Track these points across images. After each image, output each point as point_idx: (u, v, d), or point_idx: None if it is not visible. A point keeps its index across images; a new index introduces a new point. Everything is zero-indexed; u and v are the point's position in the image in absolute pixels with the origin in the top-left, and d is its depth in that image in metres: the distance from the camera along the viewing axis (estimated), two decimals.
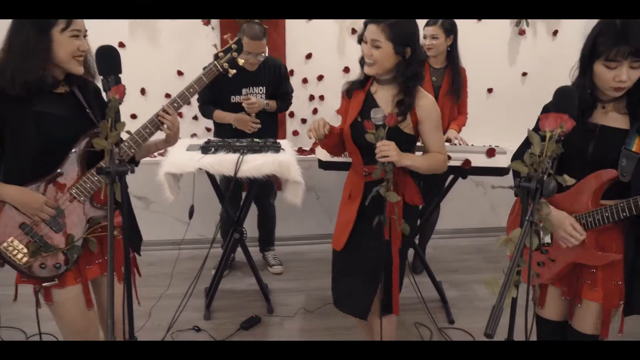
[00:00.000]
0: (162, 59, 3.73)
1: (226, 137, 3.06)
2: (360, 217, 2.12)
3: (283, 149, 2.91)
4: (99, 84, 1.77)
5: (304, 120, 3.99)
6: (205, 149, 2.83)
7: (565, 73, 4.12)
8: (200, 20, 3.63)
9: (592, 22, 3.92)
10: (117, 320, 1.38)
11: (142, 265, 3.28)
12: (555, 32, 4.01)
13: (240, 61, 2.13)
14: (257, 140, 2.98)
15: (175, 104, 1.90)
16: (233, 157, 2.75)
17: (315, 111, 3.97)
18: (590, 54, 1.71)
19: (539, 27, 4.00)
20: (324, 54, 3.86)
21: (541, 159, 1.48)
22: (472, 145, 3.08)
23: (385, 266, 2.07)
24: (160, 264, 3.65)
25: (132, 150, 1.81)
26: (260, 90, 3.32)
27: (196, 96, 3.24)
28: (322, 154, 2.84)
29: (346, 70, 3.88)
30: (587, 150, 1.77)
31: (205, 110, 3.35)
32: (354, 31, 3.80)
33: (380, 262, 2.04)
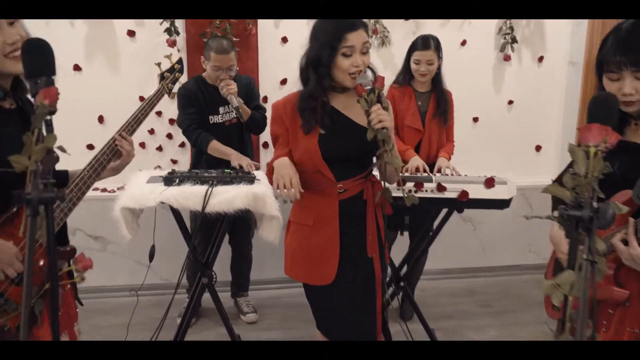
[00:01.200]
0: (122, 83, 3.39)
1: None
2: (342, 238, 1.90)
3: (258, 180, 2.58)
4: None
5: None
6: (169, 180, 2.46)
7: (551, 100, 3.99)
8: (164, 40, 3.32)
9: (578, 47, 3.79)
10: None
11: (95, 314, 2.89)
12: (540, 58, 3.85)
13: (174, 88, 2.12)
14: (229, 170, 2.64)
15: (130, 128, 1.74)
16: (201, 189, 2.40)
17: None
18: (597, 64, 1.49)
19: (524, 52, 3.83)
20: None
21: (587, 180, 1.19)
22: (465, 175, 2.81)
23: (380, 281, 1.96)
24: (116, 312, 3.21)
25: (91, 180, 1.57)
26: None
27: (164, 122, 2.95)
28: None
29: None
30: (613, 169, 1.51)
31: (199, 137, 2.96)
32: None
33: (376, 279, 1.93)
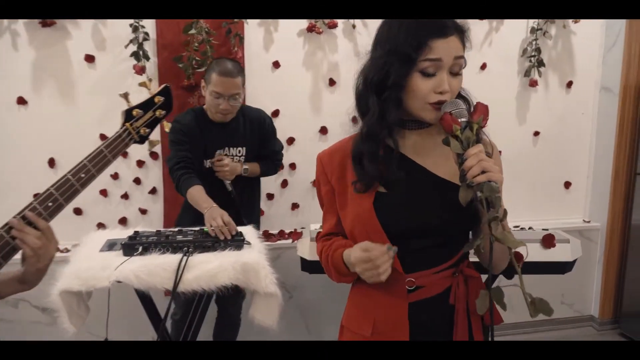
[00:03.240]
0: (79, 119, 2.79)
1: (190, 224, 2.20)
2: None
3: (248, 243, 1.99)
4: None
5: (270, 196, 3.09)
6: (129, 247, 1.87)
7: (582, 131, 3.47)
8: (130, 66, 2.74)
9: (612, 71, 3.30)
10: None
11: None
12: (569, 84, 3.35)
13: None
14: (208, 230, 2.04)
15: (50, 204, 1.06)
16: (172, 260, 1.81)
17: (284, 183, 3.08)
18: None
19: (551, 77, 3.33)
20: (295, 111, 3.03)
21: None
22: (519, 228, 2.25)
23: None
24: None
25: None
26: (239, 152, 2.47)
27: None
28: (305, 251, 1.94)
29: (323, 130, 3.05)
30: None
31: (180, 179, 2.30)
32: (332, 82, 3.00)
33: None
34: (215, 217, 2.03)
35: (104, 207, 2.91)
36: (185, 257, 1.82)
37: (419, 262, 1.21)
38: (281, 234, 3.09)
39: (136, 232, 1.98)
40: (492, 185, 1.04)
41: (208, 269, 1.79)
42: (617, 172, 3.33)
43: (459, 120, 1.10)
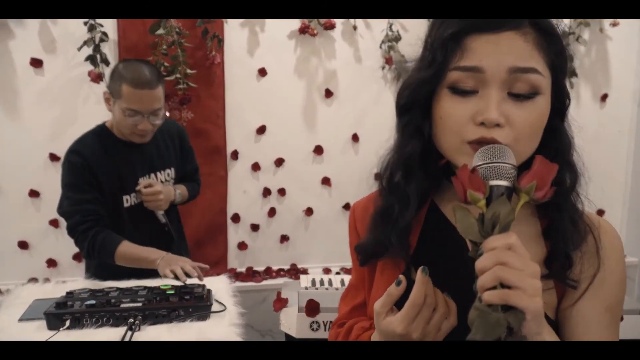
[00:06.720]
0: (24, 135, 2.34)
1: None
2: None
3: (221, 306, 1.52)
4: None
5: (255, 227, 2.62)
6: (55, 318, 1.40)
7: (618, 152, 3.02)
8: (85, 72, 2.28)
9: None
10: None
11: None
12: (604, 97, 2.90)
13: None
14: (167, 286, 1.57)
15: None
16: (112, 335, 1.35)
17: (272, 212, 2.61)
18: None
19: (583, 90, 2.88)
20: (285, 127, 2.57)
21: None
22: None
23: None
24: None
25: None
26: (168, 175, 1.94)
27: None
28: (291, 325, 1.47)
29: (318, 150, 2.59)
30: None
31: (102, 244, 1.72)
32: (328, 93, 2.54)
33: None
34: (173, 260, 1.66)
35: (55, 239, 2.44)
36: (130, 332, 1.36)
37: None
38: (268, 272, 2.62)
39: (69, 294, 1.50)
40: (515, 316, 0.57)
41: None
42: None
43: (487, 182, 0.63)
